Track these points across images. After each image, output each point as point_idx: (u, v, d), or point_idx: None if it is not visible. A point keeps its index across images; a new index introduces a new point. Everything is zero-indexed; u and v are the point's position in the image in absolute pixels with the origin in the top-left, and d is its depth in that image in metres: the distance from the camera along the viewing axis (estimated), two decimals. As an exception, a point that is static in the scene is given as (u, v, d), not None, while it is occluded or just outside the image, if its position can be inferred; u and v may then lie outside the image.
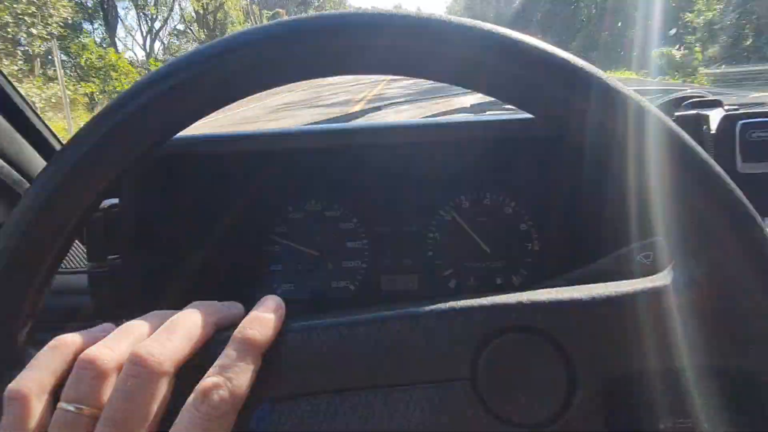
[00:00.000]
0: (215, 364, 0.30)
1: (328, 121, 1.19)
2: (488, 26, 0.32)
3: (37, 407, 0.29)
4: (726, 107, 0.81)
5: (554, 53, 0.31)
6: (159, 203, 0.60)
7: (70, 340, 0.32)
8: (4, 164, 0.75)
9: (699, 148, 0.31)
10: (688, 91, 0.91)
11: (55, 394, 0.30)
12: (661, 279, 0.32)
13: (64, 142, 0.87)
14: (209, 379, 0.29)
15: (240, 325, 0.32)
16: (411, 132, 0.60)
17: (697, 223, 0.30)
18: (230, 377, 0.30)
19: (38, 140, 0.81)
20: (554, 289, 0.33)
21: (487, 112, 1.04)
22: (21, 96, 0.78)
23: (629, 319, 0.31)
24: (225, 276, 0.71)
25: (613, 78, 0.32)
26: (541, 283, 0.51)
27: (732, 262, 0.30)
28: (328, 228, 0.74)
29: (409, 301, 0.52)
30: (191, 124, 0.34)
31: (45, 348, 0.32)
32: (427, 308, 0.34)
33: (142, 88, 0.32)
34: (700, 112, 0.63)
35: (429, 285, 0.73)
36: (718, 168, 0.31)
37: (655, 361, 0.31)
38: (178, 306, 0.36)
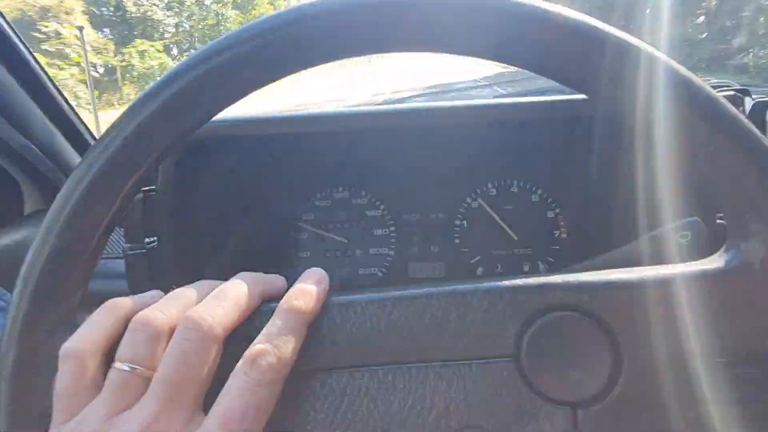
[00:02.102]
0: (263, 332, 0.31)
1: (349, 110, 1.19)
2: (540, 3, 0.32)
3: (91, 365, 0.30)
4: (754, 96, 0.80)
5: (616, 33, 0.32)
6: (192, 187, 0.61)
7: (123, 302, 0.33)
8: (38, 152, 0.77)
9: (758, 136, 0.31)
10: (713, 81, 0.90)
11: (108, 354, 0.31)
12: (713, 262, 0.32)
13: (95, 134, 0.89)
14: (257, 346, 0.30)
15: (286, 295, 0.33)
16: (439, 113, 0.60)
17: (753, 205, 0.30)
18: (277, 345, 0.30)
19: (71, 131, 0.83)
20: (602, 271, 0.33)
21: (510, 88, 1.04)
22: (57, 88, 0.80)
23: (679, 303, 0.31)
24: (254, 263, 0.72)
25: (670, 60, 0.32)
26: (579, 264, 0.52)
27: None
28: (356, 215, 0.75)
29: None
30: (240, 99, 0.35)
31: (99, 309, 0.33)
32: (473, 286, 0.34)
33: (187, 68, 0.33)
34: (736, 92, 0.62)
35: (456, 272, 0.74)
36: None
37: (703, 346, 0.31)
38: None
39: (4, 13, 0.72)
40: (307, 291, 0.34)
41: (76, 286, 0.34)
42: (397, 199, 0.75)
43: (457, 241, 0.74)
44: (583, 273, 0.34)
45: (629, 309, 0.32)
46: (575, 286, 0.33)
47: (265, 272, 0.69)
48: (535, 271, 0.73)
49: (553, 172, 0.73)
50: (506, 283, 0.34)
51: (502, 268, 0.73)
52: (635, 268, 0.33)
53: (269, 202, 0.74)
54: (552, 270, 0.73)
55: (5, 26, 0.72)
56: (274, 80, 0.34)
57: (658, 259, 0.48)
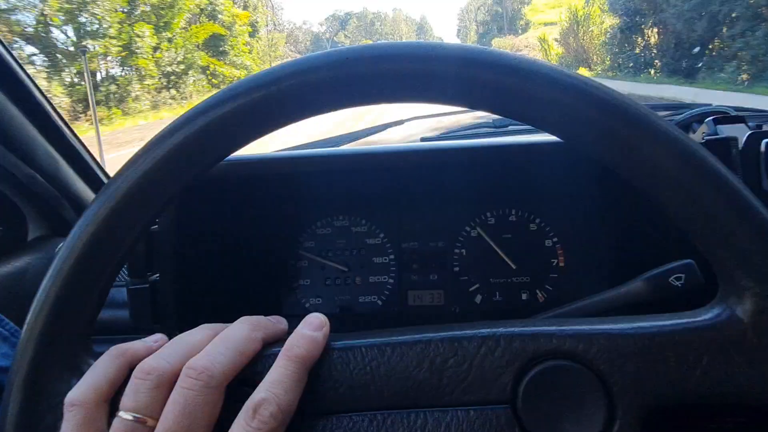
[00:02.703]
0: (264, 380, 0.32)
1: (354, 134, 1.21)
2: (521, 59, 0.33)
3: (96, 415, 0.31)
4: (749, 123, 0.81)
5: (598, 88, 0.33)
6: (195, 223, 0.62)
7: (127, 349, 0.34)
8: (43, 180, 0.78)
9: (749, 194, 0.31)
10: (711, 106, 0.92)
11: (112, 402, 0.32)
12: (703, 315, 0.32)
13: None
14: (259, 395, 0.31)
15: (287, 342, 0.34)
16: (434, 155, 0.61)
17: (744, 261, 0.31)
18: (278, 393, 0.31)
19: (75, 158, 0.84)
20: (596, 319, 0.34)
21: (509, 127, 1.05)
22: (60, 115, 0.81)
23: (671, 353, 0.32)
24: (256, 290, 0.72)
25: (654, 113, 0.33)
26: (575, 303, 0.52)
27: None
28: (356, 243, 0.76)
29: (440, 319, 0.52)
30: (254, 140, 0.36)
31: (103, 356, 0.33)
32: (470, 332, 0.34)
33: (204, 110, 0.34)
34: (728, 135, 0.63)
35: (455, 300, 0.74)
36: (764, 211, 0.31)
37: (694, 395, 0.31)
38: (216, 320, 0.38)
39: (4, 42, 0.73)
40: (308, 337, 0.34)
41: (82, 331, 0.35)
42: (396, 227, 0.75)
43: (456, 269, 0.75)
44: (578, 321, 0.34)
45: (622, 359, 0.32)
46: (570, 335, 0.33)
47: (266, 301, 0.70)
48: (533, 300, 0.73)
49: (550, 201, 0.74)
50: (503, 330, 0.34)
51: (500, 297, 0.74)
52: (629, 317, 0.34)
53: (270, 230, 0.74)
54: (550, 299, 0.73)
55: (7, 56, 0.73)
56: (280, 127, 0.36)
57: (653, 300, 0.49)
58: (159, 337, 0.36)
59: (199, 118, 0.34)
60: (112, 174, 0.90)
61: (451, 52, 0.33)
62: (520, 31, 47.62)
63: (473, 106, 0.35)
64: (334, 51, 0.34)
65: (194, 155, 0.34)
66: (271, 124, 0.35)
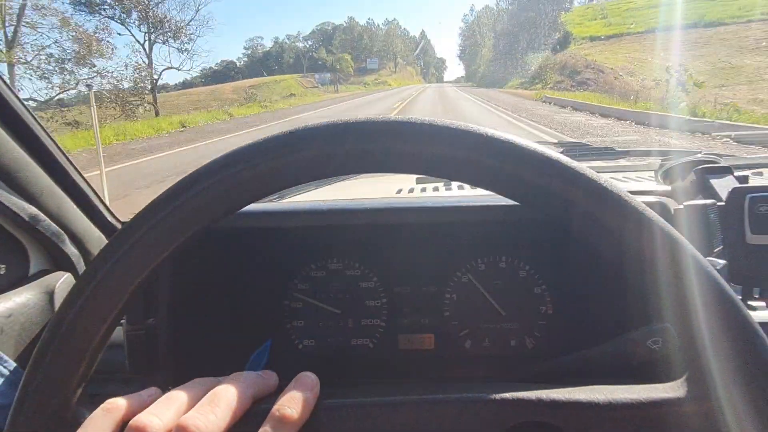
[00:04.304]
0: None
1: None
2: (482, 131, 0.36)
3: None
4: (736, 174, 0.83)
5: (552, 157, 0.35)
6: (191, 270, 0.63)
7: (121, 404, 0.35)
8: (45, 217, 0.80)
9: (720, 282, 0.34)
10: (700, 155, 0.94)
11: None
12: (676, 390, 0.34)
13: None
14: None
15: (278, 403, 0.35)
16: (426, 212, 0.64)
17: (715, 344, 0.33)
18: None
19: (77, 194, 0.86)
20: (575, 388, 0.36)
21: None
22: (61, 150, 0.83)
23: (644, 425, 0.34)
24: (251, 331, 0.74)
25: (624, 190, 0.36)
26: (557, 360, 0.54)
27: (743, 386, 0.32)
28: (349, 287, 0.77)
29: (430, 364, 0.53)
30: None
31: (97, 410, 0.35)
32: (452, 396, 0.36)
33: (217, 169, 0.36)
34: (705, 202, 0.65)
35: (445, 345, 0.76)
36: (732, 295, 0.33)
37: None
38: (211, 362, 0.39)
39: (5, 79, 0.75)
40: (298, 398, 0.36)
41: (80, 381, 0.37)
42: (389, 271, 0.77)
43: (447, 314, 0.76)
44: (557, 390, 0.36)
45: (597, 428, 0.34)
46: (548, 403, 0.35)
47: (260, 342, 0.71)
48: (521, 346, 0.75)
49: (540, 249, 0.75)
50: (485, 396, 0.36)
51: (489, 342, 0.75)
52: (605, 388, 0.36)
53: (264, 273, 0.76)
54: (539, 345, 0.75)
55: (9, 94, 0.75)
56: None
57: (634, 361, 0.50)
58: (153, 391, 0.38)
59: (202, 180, 0.36)
60: (113, 208, 0.92)
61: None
62: (558, 47, 37.20)
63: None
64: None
65: (205, 209, 0.37)
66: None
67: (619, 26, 33.43)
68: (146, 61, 29.15)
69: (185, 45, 32.53)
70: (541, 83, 30.03)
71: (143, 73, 26.61)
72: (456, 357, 0.75)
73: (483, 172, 0.36)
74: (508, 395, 0.36)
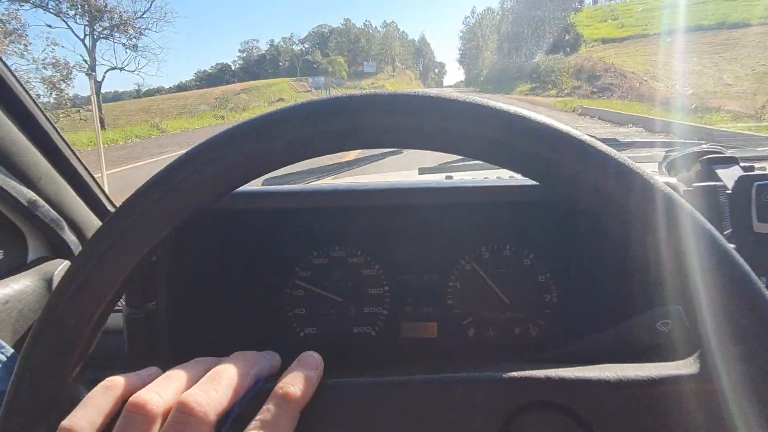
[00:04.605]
0: (257, 417, 0.32)
1: (354, 162, 1.22)
2: (507, 108, 0.35)
3: None
4: (741, 164, 0.82)
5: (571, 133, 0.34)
6: (191, 254, 0.63)
7: (120, 381, 0.35)
8: (44, 203, 0.79)
9: (733, 253, 0.33)
10: (705, 146, 0.93)
11: None
12: (688, 367, 0.34)
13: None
14: None
15: (281, 381, 0.35)
16: (430, 193, 0.63)
17: (727, 321, 0.32)
18: (270, 431, 0.32)
19: (76, 180, 0.85)
20: (584, 367, 0.35)
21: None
22: (62, 137, 0.83)
23: (655, 403, 0.33)
24: (252, 318, 0.73)
25: (632, 161, 0.35)
26: (564, 345, 0.53)
27: (757, 358, 0.31)
28: (351, 274, 0.76)
29: (433, 352, 0.52)
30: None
31: (97, 387, 0.34)
32: (459, 375, 0.35)
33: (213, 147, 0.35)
34: (715, 183, 0.64)
35: (448, 333, 0.75)
36: (745, 267, 0.33)
37: None
38: (211, 348, 0.39)
39: (7, 64, 0.75)
40: (302, 377, 0.35)
41: (77, 361, 0.36)
42: (392, 259, 0.76)
43: (450, 302, 0.75)
44: (565, 369, 0.35)
45: (607, 407, 0.33)
46: (556, 382, 0.34)
47: (261, 329, 0.71)
48: (525, 335, 0.74)
49: (544, 237, 0.75)
50: (491, 375, 0.35)
51: (493, 331, 0.74)
52: (614, 366, 0.35)
53: (266, 260, 0.75)
54: (543, 334, 0.74)
55: (11, 78, 0.74)
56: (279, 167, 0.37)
57: (641, 345, 0.50)
58: (153, 370, 0.37)
59: (196, 159, 0.35)
60: (112, 195, 0.91)
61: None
62: (568, 50, 34.46)
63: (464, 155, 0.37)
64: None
65: (197, 191, 0.36)
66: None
67: (633, 28, 31.79)
68: (84, 60, 24.61)
69: (132, 40, 27.01)
70: (555, 89, 27.40)
71: (64, 73, 20.35)
72: (459, 345, 0.74)
73: (500, 150, 0.35)
74: (515, 374, 0.35)
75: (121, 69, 27.19)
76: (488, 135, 0.35)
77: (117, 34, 25.86)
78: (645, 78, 20.26)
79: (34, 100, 0.78)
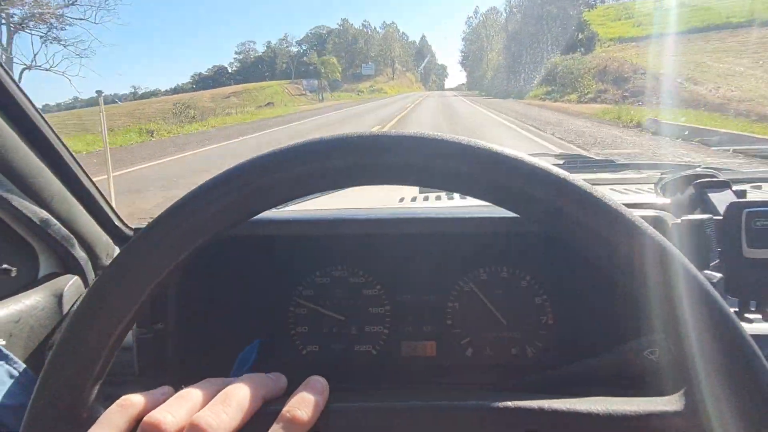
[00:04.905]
0: None
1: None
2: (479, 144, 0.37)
3: None
4: (734, 188, 0.85)
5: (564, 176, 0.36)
6: (199, 276, 0.65)
7: (136, 401, 0.37)
8: (55, 221, 0.81)
9: (713, 293, 0.35)
10: (698, 169, 0.95)
11: None
12: (674, 403, 0.36)
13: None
14: None
15: (288, 404, 0.37)
16: (429, 223, 0.65)
17: (711, 360, 0.34)
18: None
19: (87, 199, 0.88)
20: (575, 399, 0.37)
21: None
22: (71, 154, 0.85)
23: None
24: (255, 336, 0.75)
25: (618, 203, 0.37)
26: (559, 367, 0.56)
27: (741, 399, 0.33)
28: (353, 294, 0.79)
29: (432, 371, 0.54)
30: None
31: (113, 406, 0.36)
32: (457, 404, 0.38)
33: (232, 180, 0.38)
34: (702, 217, 0.67)
35: (447, 352, 0.77)
36: (726, 308, 0.35)
37: None
38: (217, 366, 0.41)
39: (20, 87, 0.77)
40: (308, 401, 0.37)
41: (95, 380, 0.38)
42: (392, 279, 0.78)
43: (449, 322, 0.77)
44: (557, 400, 0.37)
45: None
46: (548, 413, 0.37)
47: (264, 348, 0.73)
48: (522, 355, 0.76)
49: (541, 260, 0.77)
50: (486, 404, 0.38)
51: (491, 350, 0.76)
52: (604, 399, 0.37)
53: (270, 280, 0.77)
54: (539, 354, 0.76)
55: (23, 99, 0.77)
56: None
57: (630, 372, 0.52)
58: (166, 389, 0.39)
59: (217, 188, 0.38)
60: (120, 211, 0.93)
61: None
62: (583, 50, 31.04)
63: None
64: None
65: (217, 218, 0.38)
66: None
67: (651, 26, 29.26)
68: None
69: (55, 32, 20.74)
70: (576, 92, 24.25)
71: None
72: (457, 364, 0.76)
73: (482, 186, 0.37)
74: (510, 404, 0.37)
75: (30, 67, 20.85)
76: (462, 170, 0.37)
77: (32, 24, 20.03)
78: (680, 80, 17.40)
79: (45, 120, 0.80)
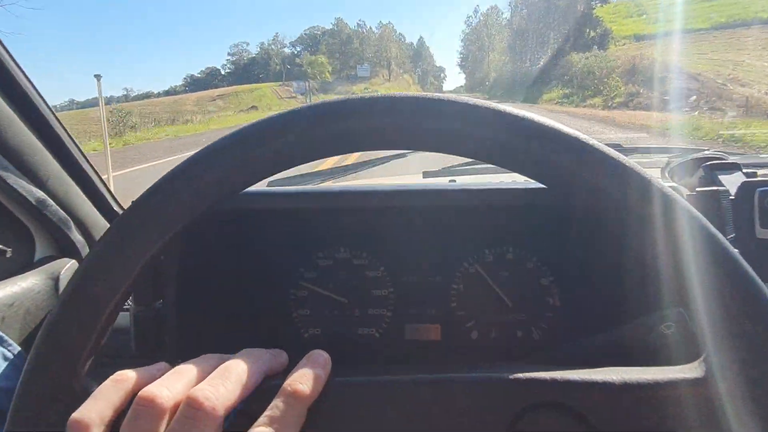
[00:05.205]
0: (264, 414, 0.33)
1: (358, 165, 1.23)
2: (511, 111, 0.36)
3: None
4: (744, 170, 0.83)
5: (568, 133, 0.35)
6: (199, 253, 0.63)
7: (131, 375, 0.35)
8: (52, 202, 0.80)
9: (731, 250, 0.33)
10: (707, 152, 0.94)
11: (114, 426, 0.33)
12: (691, 371, 0.34)
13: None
14: (258, 429, 0.32)
15: (290, 378, 0.35)
16: (434, 195, 0.64)
17: (729, 324, 0.33)
18: (277, 428, 0.32)
19: (84, 180, 0.86)
20: (590, 369, 0.35)
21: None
22: (71, 137, 0.84)
23: (658, 406, 0.33)
24: (256, 318, 0.74)
25: (632, 162, 0.35)
26: (566, 346, 0.54)
27: (760, 363, 0.32)
28: (356, 276, 0.77)
29: (436, 354, 0.52)
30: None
31: (107, 381, 0.35)
32: (466, 375, 0.36)
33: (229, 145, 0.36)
34: (718, 188, 0.65)
35: (451, 335, 0.75)
36: (747, 267, 0.33)
37: None
38: (217, 347, 0.39)
39: (19, 63, 0.76)
40: (309, 375, 0.36)
41: (88, 355, 0.37)
42: (396, 261, 0.77)
43: (453, 304, 0.76)
44: (570, 371, 0.36)
45: (611, 409, 0.34)
46: (562, 383, 0.35)
47: (266, 329, 0.71)
48: (528, 338, 0.74)
49: (547, 241, 0.75)
50: (497, 375, 0.36)
51: (496, 333, 0.75)
52: (619, 369, 0.36)
53: (271, 260, 0.76)
54: (545, 337, 0.74)
55: (24, 80, 0.75)
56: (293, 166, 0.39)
57: (643, 347, 0.50)
58: (162, 365, 0.38)
59: (210, 157, 0.36)
60: (118, 196, 0.92)
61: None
62: (596, 48, 28.90)
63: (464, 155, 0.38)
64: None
65: (207, 190, 0.37)
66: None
67: (668, 23, 26.78)
68: None
69: None
70: (599, 96, 20.89)
71: None
72: (462, 347, 0.74)
73: (509, 152, 0.36)
74: (521, 375, 0.36)
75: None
76: (491, 137, 0.35)
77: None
78: (719, 81, 15.23)
79: (44, 101, 0.79)
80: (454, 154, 0.38)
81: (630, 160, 0.36)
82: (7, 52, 0.72)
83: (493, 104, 0.36)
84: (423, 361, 0.74)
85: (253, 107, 41.52)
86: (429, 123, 0.36)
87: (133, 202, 0.38)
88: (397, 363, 0.73)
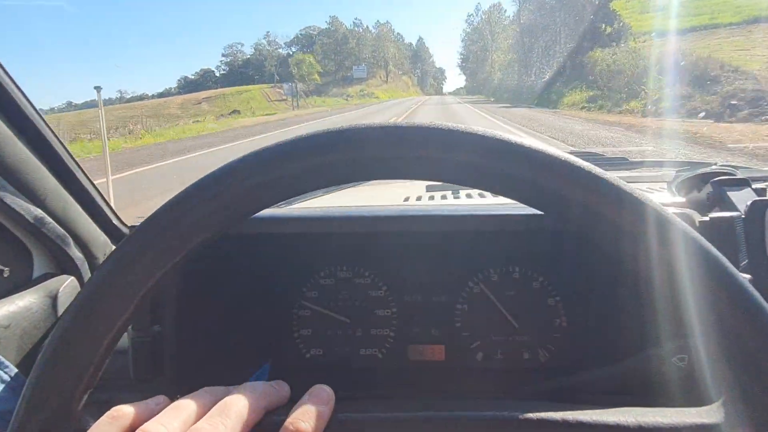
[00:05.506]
0: None
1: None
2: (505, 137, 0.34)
3: None
4: (754, 186, 0.81)
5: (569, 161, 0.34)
6: (198, 277, 0.62)
7: (127, 411, 0.34)
8: (50, 220, 0.79)
9: (744, 283, 0.32)
10: (715, 166, 0.92)
11: None
12: (712, 415, 0.32)
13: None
14: None
15: (292, 415, 0.34)
16: (437, 220, 0.62)
17: (753, 368, 0.31)
18: None
19: (83, 197, 0.85)
20: (602, 410, 0.34)
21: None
22: (69, 152, 0.83)
23: None
24: (257, 339, 0.72)
25: (640, 192, 0.34)
26: (574, 376, 0.52)
27: None
28: (358, 295, 0.76)
29: (440, 375, 0.50)
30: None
31: (104, 417, 0.33)
32: (472, 414, 0.35)
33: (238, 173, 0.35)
34: (731, 213, 0.64)
35: (456, 356, 0.74)
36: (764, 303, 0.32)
37: None
38: (217, 369, 0.38)
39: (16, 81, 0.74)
40: (312, 412, 0.34)
41: (84, 389, 0.35)
42: (399, 280, 0.75)
43: (458, 324, 0.74)
44: (582, 411, 0.34)
45: None
46: (573, 425, 0.34)
47: (267, 350, 0.70)
48: (534, 359, 0.73)
49: (554, 260, 0.74)
50: (505, 414, 0.34)
51: (502, 355, 0.73)
52: (634, 410, 0.34)
53: (273, 280, 0.74)
54: (552, 359, 0.73)
55: (21, 97, 0.74)
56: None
57: (655, 378, 0.49)
58: (161, 399, 0.37)
59: (215, 184, 0.35)
60: (119, 211, 0.91)
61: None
62: (614, 44, 24.62)
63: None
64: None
65: (214, 216, 0.36)
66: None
67: (692, 18, 23.52)
68: None
69: None
70: (637, 99, 16.27)
71: None
72: (467, 369, 0.73)
73: (504, 180, 0.35)
74: (532, 415, 0.34)
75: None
76: (473, 161, 0.34)
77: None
78: None
79: (41, 116, 0.78)
80: (456, 183, 0.37)
81: (627, 184, 0.34)
82: (2, 68, 0.71)
83: (499, 133, 0.35)
84: (426, 383, 0.72)
85: (235, 111, 39.76)
86: (433, 154, 0.34)
87: (134, 229, 0.36)
88: (400, 385, 0.72)
